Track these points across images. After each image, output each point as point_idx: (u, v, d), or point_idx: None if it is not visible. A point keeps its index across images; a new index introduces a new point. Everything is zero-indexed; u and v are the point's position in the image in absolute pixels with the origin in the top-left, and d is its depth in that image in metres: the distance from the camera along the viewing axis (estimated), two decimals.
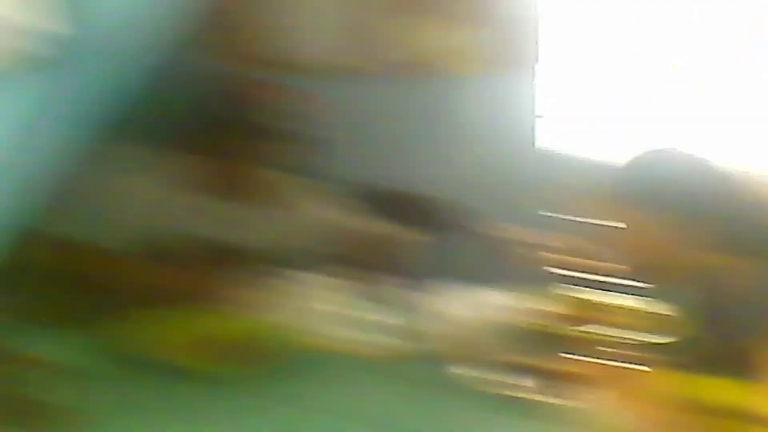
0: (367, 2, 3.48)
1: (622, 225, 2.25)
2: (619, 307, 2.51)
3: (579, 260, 2.59)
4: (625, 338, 2.38)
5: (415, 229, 2.97)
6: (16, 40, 1.82)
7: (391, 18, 3.51)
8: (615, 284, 2.51)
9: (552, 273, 2.60)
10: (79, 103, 1.91)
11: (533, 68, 3.69)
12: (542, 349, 2.29)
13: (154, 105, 2.81)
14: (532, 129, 3.72)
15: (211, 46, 3.30)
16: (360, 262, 2.68)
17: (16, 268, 2.43)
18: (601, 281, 2.55)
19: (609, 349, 2.29)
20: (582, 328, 2.42)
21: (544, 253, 2.64)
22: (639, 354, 2.27)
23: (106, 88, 1.92)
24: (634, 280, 2.38)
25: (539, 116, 3.72)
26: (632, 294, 2.47)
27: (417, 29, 3.54)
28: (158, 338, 2.35)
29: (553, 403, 2.11)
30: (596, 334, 2.39)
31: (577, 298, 2.52)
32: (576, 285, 2.55)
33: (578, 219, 2.42)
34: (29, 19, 1.82)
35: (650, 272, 2.31)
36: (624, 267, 2.36)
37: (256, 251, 2.76)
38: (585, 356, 2.21)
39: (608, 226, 2.28)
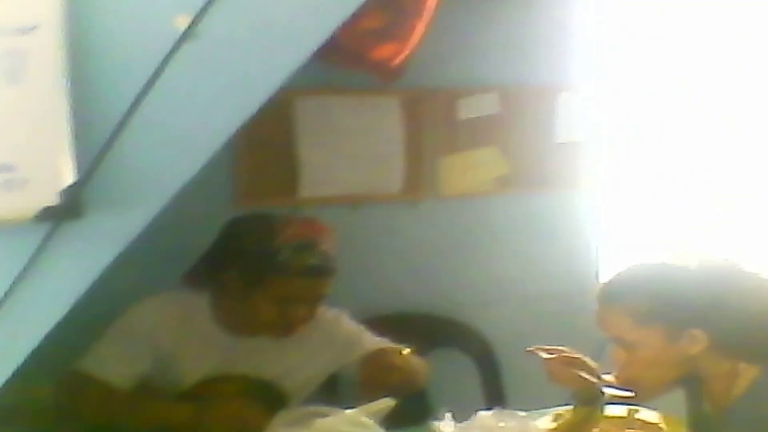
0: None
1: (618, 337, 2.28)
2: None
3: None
4: None
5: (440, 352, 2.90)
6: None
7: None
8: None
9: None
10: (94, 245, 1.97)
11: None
12: None
13: (175, 246, 2.82)
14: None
15: (232, 187, 3.36)
16: (384, 388, 2.61)
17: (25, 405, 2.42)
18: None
19: None
20: None
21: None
22: None
23: (122, 233, 1.99)
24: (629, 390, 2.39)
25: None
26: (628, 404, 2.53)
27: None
28: None
29: None
30: None
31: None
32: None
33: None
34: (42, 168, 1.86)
35: (645, 381, 2.30)
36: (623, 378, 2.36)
37: (278, 385, 2.73)
38: None
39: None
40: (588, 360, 2.55)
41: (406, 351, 2.73)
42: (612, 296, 2.27)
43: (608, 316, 2.28)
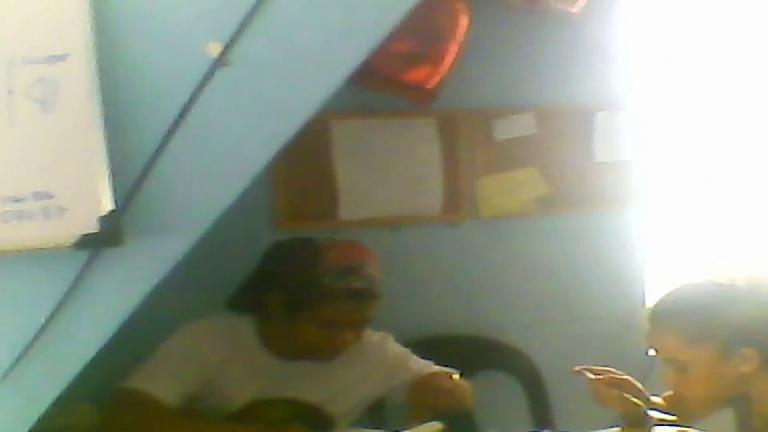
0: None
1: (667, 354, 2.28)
2: None
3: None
4: None
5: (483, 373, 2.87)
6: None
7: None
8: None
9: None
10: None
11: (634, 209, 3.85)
12: None
13: (215, 271, 2.84)
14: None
15: (271, 212, 3.36)
16: (433, 411, 2.61)
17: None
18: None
19: None
20: None
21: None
22: None
23: (163, 260, 2.02)
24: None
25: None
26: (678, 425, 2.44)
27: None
28: None
29: None
30: None
31: None
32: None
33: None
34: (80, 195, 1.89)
35: (697, 400, 2.29)
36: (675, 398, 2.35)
37: (324, 409, 2.72)
38: None
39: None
40: (635, 381, 2.54)
41: (456, 375, 2.72)
42: (662, 317, 2.27)
43: (660, 337, 2.28)
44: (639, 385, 2.52)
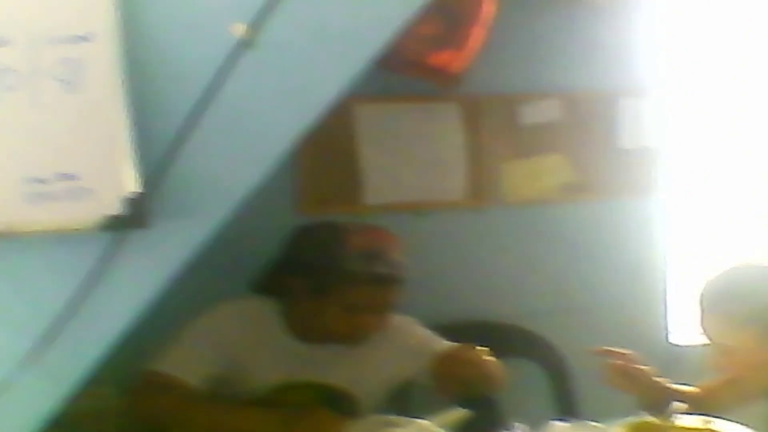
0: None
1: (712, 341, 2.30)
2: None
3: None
4: None
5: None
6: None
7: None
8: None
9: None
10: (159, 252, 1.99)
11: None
12: None
13: (238, 254, 2.84)
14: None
15: (295, 195, 3.37)
16: (460, 383, 2.63)
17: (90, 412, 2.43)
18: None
19: None
20: None
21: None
22: None
23: (187, 242, 2.01)
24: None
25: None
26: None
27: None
28: None
29: None
30: None
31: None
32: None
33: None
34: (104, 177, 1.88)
35: (745, 385, 2.34)
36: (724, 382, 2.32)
37: (349, 393, 2.71)
38: None
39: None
40: (649, 373, 2.58)
41: (484, 350, 2.70)
42: (709, 302, 2.30)
43: (707, 322, 2.30)
44: (651, 377, 2.57)
